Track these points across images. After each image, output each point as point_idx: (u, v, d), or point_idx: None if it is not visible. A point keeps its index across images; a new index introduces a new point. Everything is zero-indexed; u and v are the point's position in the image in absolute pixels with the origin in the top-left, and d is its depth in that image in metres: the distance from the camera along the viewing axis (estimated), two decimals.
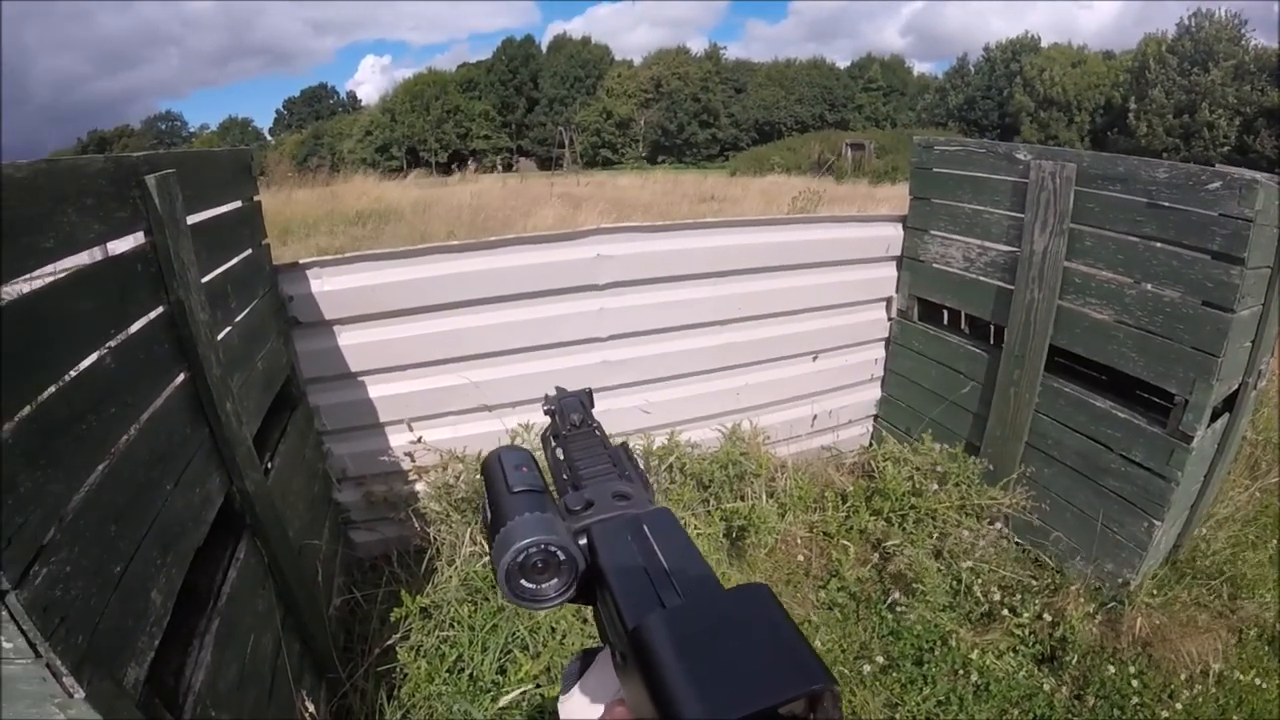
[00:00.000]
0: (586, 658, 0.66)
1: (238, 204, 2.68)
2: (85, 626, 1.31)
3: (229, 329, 2.30)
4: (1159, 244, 3.07)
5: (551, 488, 0.72)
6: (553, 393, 0.93)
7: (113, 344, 1.58)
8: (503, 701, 2.55)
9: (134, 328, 1.69)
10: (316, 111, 78.68)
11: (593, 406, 0.91)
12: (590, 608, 0.64)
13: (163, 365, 1.80)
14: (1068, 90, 49.10)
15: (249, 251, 2.68)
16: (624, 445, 0.82)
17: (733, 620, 0.46)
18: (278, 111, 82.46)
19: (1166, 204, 3.00)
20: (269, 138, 76.68)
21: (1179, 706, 3.05)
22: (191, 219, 2.03)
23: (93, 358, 1.50)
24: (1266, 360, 3.51)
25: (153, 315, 1.78)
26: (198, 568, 1.84)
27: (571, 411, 0.88)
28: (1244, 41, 40.73)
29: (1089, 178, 3.25)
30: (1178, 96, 40.87)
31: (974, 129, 52.72)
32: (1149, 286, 3.14)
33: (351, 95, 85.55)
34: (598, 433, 0.86)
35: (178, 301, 1.84)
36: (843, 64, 68.51)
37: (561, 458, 0.82)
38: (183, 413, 1.86)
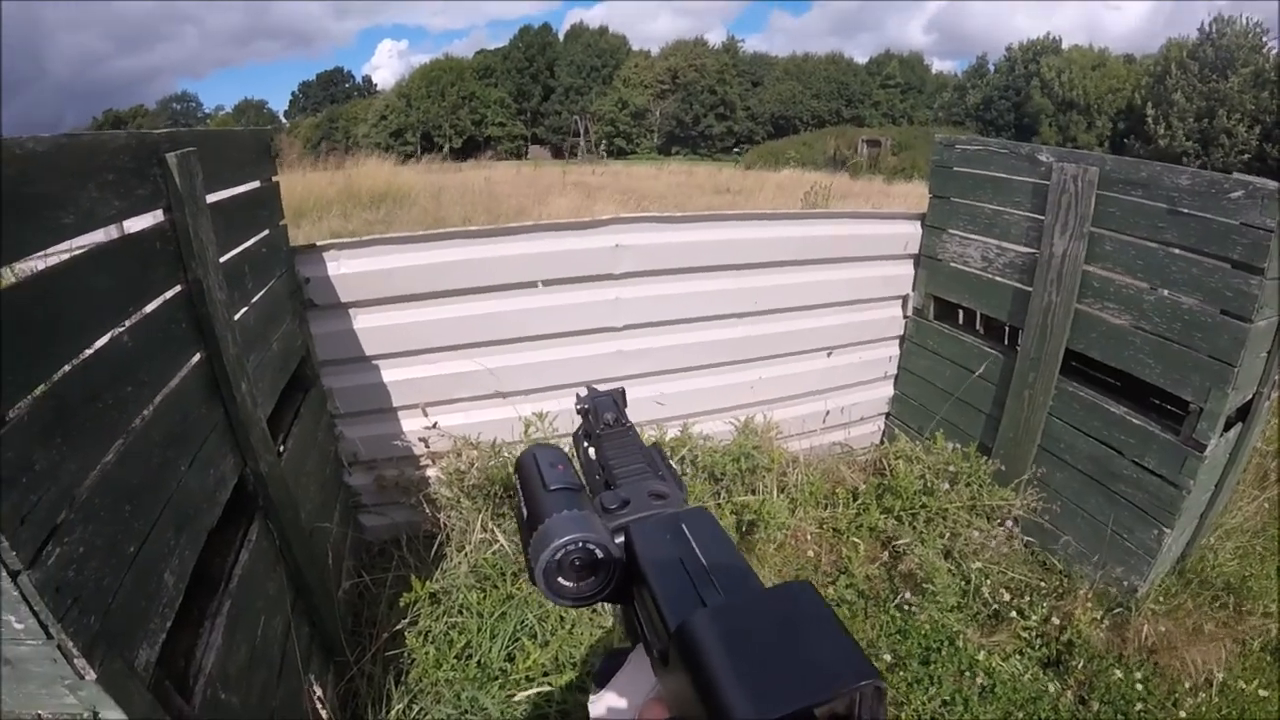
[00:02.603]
0: (616, 658, 0.65)
1: (256, 184, 2.66)
2: (97, 607, 1.30)
3: (245, 309, 2.29)
4: (1179, 251, 3.03)
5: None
6: (584, 392, 0.92)
7: (130, 322, 1.57)
8: (519, 697, 2.54)
9: (151, 306, 1.67)
10: (332, 95, 78.65)
11: (626, 406, 0.90)
12: (617, 607, 0.64)
13: (179, 344, 1.79)
14: (1087, 93, 48.81)
15: (266, 232, 2.66)
16: (656, 445, 0.82)
17: (777, 617, 0.46)
18: (293, 94, 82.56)
19: (1187, 211, 2.97)
20: (284, 120, 76.71)
21: (1183, 714, 3.04)
22: (210, 198, 2.02)
23: (109, 336, 1.49)
24: None
25: (170, 294, 1.77)
26: (209, 549, 1.84)
27: (605, 410, 0.87)
28: (1264, 49, 40.38)
29: (1111, 182, 3.21)
30: (1197, 103, 40.58)
31: (990, 129, 52.36)
32: (1167, 293, 3.11)
33: (367, 80, 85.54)
34: (631, 432, 0.85)
35: (195, 281, 1.82)
36: (861, 60, 68.26)
37: (594, 457, 0.82)
38: (198, 393, 1.85)
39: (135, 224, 1.70)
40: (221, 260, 2.03)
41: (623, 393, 0.92)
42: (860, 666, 0.41)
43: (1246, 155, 38.18)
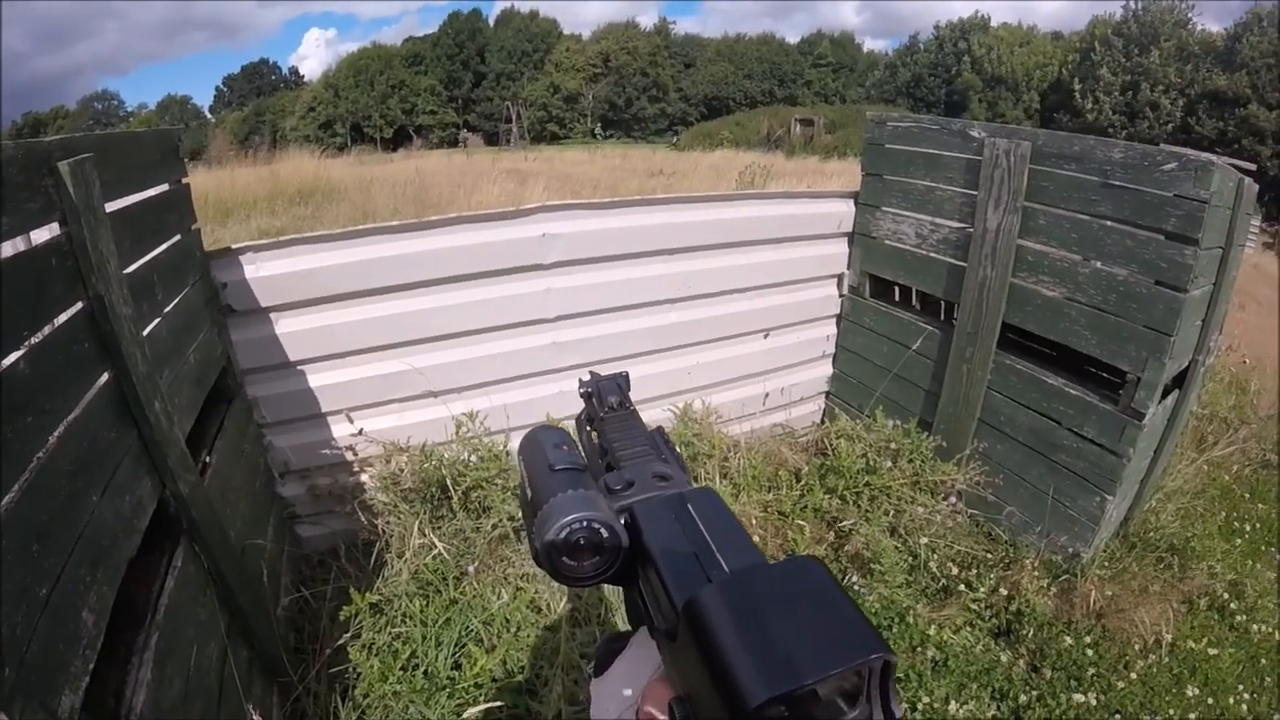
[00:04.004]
0: (615, 642, 0.67)
1: (164, 187, 2.53)
2: (13, 657, 1.21)
3: (156, 322, 2.18)
4: (1113, 223, 3.09)
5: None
6: (587, 377, 0.92)
7: (28, 347, 1.46)
8: (467, 714, 2.49)
9: (51, 328, 1.57)
10: (258, 88, 76.20)
11: (629, 390, 0.90)
12: (620, 589, 0.66)
13: (84, 366, 1.68)
14: (1015, 69, 50.07)
15: (177, 238, 2.53)
16: (659, 429, 0.81)
17: (786, 592, 0.47)
18: (218, 88, 79.75)
19: (1120, 184, 3.02)
20: (209, 116, 74.23)
21: (1134, 676, 3.13)
22: (112, 206, 1.91)
23: (6, 363, 1.39)
24: (1216, 337, 3.57)
25: (71, 313, 1.66)
26: (132, 579, 1.74)
27: (609, 394, 0.87)
28: (1189, 25, 41.73)
29: (1043, 156, 3.26)
30: (1122, 77, 41.80)
31: (921, 105, 53.35)
32: (1102, 265, 3.17)
33: (294, 71, 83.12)
34: (635, 416, 0.85)
35: (97, 297, 1.71)
36: (794, 40, 68.75)
37: (597, 442, 0.82)
38: (108, 416, 1.75)
39: (30, 239, 1.60)
40: (127, 272, 1.92)
41: (626, 376, 0.92)
42: (869, 641, 0.42)
43: (1171, 125, 39.46)
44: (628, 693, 0.61)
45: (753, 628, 0.43)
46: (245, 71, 78.29)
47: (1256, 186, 3.39)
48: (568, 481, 0.63)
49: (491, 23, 69.23)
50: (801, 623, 0.44)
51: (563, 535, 0.58)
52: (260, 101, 69.36)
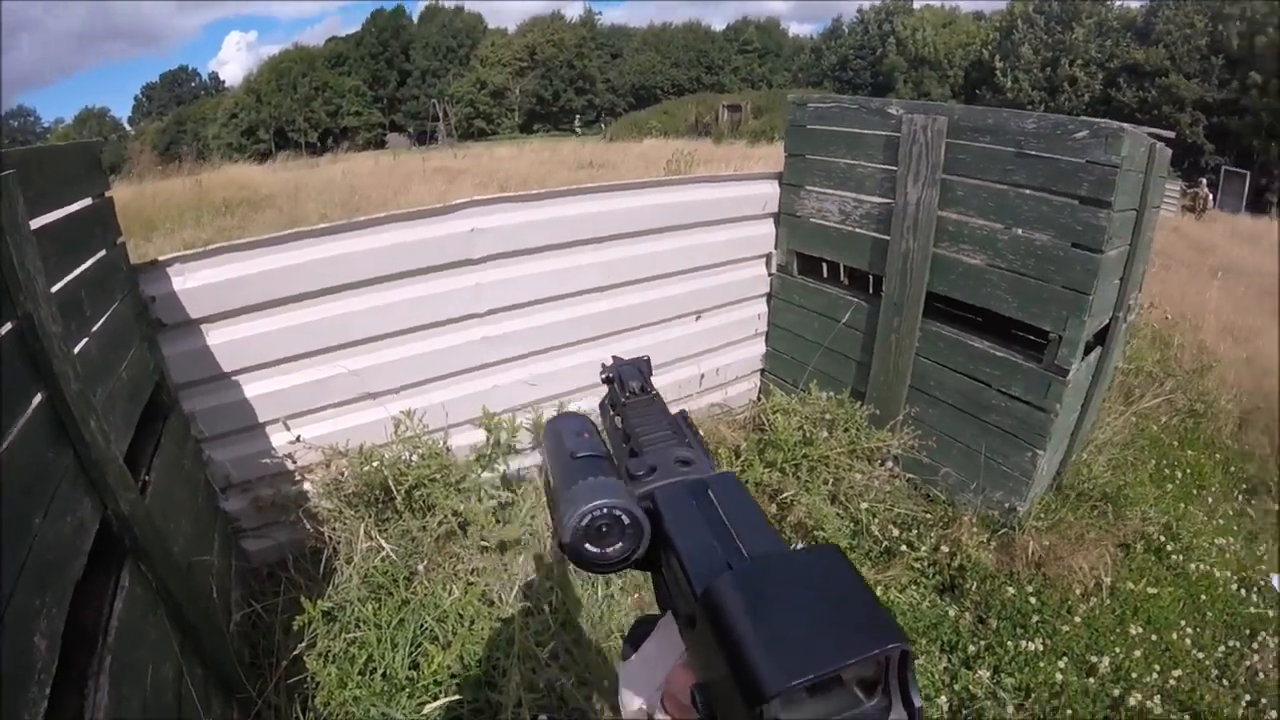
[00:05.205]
0: (646, 624, 0.66)
1: (88, 201, 2.47)
2: None
3: (86, 340, 2.13)
4: (1029, 191, 3.22)
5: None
6: (609, 362, 0.92)
7: None
8: (428, 709, 2.49)
9: None
10: (178, 96, 73.89)
11: (651, 374, 0.90)
12: (642, 573, 0.66)
13: (17, 387, 1.65)
14: (939, 49, 51.11)
15: (103, 253, 2.48)
16: (682, 413, 0.81)
17: (803, 580, 0.47)
18: (137, 98, 77.05)
19: (1034, 153, 3.15)
20: (129, 127, 71.70)
21: (1077, 619, 3.26)
22: (36, 222, 1.87)
23: None
24: (1135, 295, 3.72)
25: (1, 333, 1.63)
26: (81, 603, 1.71)
27: (631, 379, 0.87)
28: (1108, 1, 43.02)
29: (959, 130, 3.37)
30: (1044, 54, 42.92)
31: (848, 88, 54.09)
32: (1020, 231, 3.29)
33: (215, 77, 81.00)
34: (657, 400, 0.85)
35: (26, 315, 1.67)
36: (719, 27, 69.02)
37: (620, 426, 0.81)
38: (43, 436, 1.71)
39: None
40: (54, 289, 1.89)
41: (648, 361, 0.92)
42: (886, 631, 0.42)
43: (1089, 98, 40.70)
44: (653, 676, 0.61)
45: (769, 616, 0.43)
46: (164, 79, 75.99)
47: (1170, 151, 3.55)
48: (588, 469, 0.63)
49: (415, 19, 68.22)
50: (818, 611, 0.44)
51: (584, 523, 0.58)
52: (181, 110, 67.41)
